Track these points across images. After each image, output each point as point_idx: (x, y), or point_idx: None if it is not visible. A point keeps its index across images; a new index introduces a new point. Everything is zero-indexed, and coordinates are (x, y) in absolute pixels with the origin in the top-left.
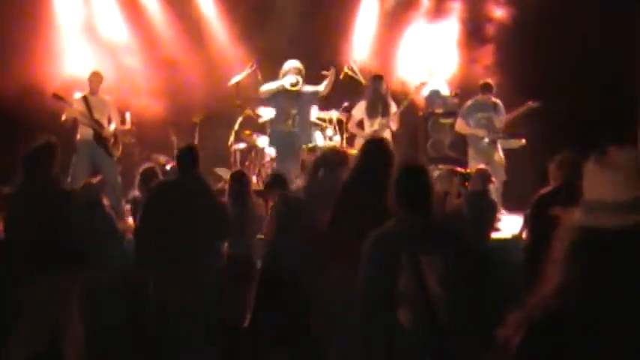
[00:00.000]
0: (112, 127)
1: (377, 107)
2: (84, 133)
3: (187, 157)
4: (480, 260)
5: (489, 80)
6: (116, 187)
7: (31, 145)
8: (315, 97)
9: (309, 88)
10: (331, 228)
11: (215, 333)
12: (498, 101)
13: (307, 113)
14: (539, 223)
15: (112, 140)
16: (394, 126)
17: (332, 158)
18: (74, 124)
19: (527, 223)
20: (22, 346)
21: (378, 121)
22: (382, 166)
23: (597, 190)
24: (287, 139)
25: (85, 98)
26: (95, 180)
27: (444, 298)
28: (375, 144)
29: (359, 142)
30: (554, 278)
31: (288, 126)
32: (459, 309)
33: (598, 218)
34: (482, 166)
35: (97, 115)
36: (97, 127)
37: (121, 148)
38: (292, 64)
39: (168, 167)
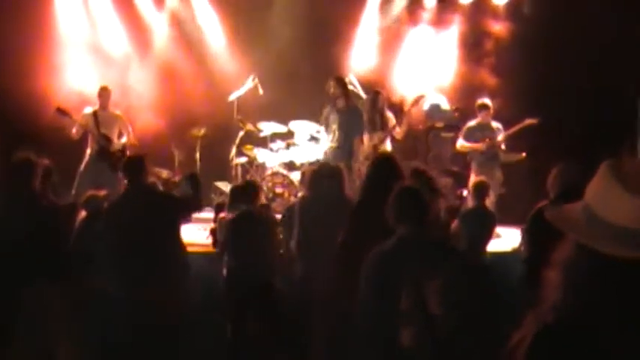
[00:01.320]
0: (123, 140)
1: (375, 122)
2: (93, 147)
3: (132, 167)
4: (478, 275)
5: (486, 101)
6: None
7: (11, 160)
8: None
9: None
10: (344, 244)
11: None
12: (499, 126)
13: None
14: (538, 236)
15: (120, 155)
16: (399, 136)
17: (326, 172)
18: (84, 137)
19: (526, 236)
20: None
21: (377, 135)
22: (392, 181)
23: (621, 216)
24: None
25: (94, 113)
26: (101, 193)
27: (444, 315)
28: (384, 160)
29: (358, 156)
30: (560, 292)
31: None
32: (460, 326)
33: (622, 247)
34: (478, 179)
35: (105, 130)
36: (104, 141)
37: None
38: None
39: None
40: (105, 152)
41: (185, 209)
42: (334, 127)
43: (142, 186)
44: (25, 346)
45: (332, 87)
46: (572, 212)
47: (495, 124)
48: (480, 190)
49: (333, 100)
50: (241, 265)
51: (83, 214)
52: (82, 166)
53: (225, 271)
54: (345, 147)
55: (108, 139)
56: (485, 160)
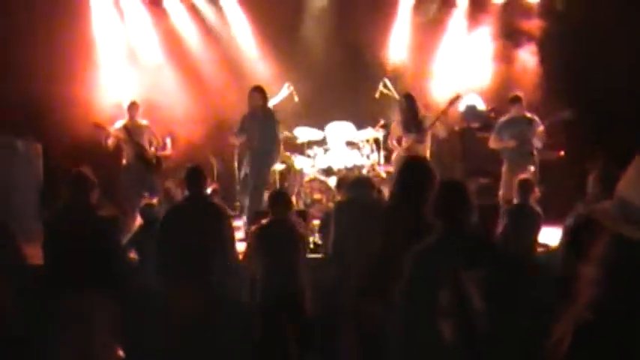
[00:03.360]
0: (152, 149)
1: (409, 124)
2: (129, 156)
3: (193, 179)
4: (521, 273)
5: (518, 93)
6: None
7: (68, 173)
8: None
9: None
10: (381, 246)
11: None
12: (534, 116)
13: None
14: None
15: (155, 160)
16: (442, 134)
17: (362, 182)
18: (118, 149)
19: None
20: None
21: (412, 137)
22: (422, 182)
23: None
24: None
25: (125, 126)
26: (154, 200)
27: (484, 311)
28: (412, 163)
29: (396, 158)
30: (597, 287)
31: None
32: (500, 322)
33: None
34: (523, 176)
35: (137, 140)
36: (139, 148)
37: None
38: None
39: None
40: (143, 158)
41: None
42: (255, 132)
43: (200, 196)
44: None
45: (258, 99)
46: (607, 204)
47: (530, 115)
48: (525, 187)
49: (254, 108)
50: (268, 274)
51: (139, 221)
52: (123, 176)
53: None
54: (264, 150)
55: (142, 147)
56: (517, 156)
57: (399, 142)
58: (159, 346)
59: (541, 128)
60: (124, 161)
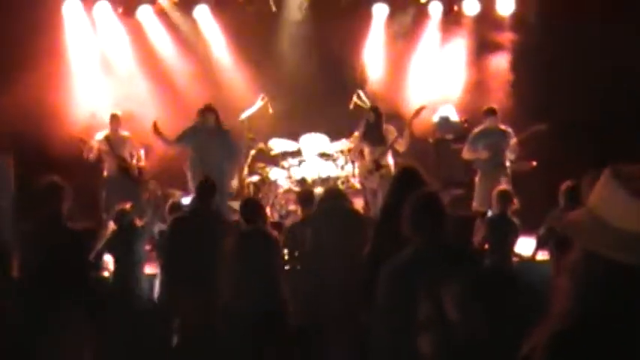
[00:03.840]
0: (134, 161)
1: (374, 137)
2: (110, 168)
3: (204, 190)
4: (501, 283)
5: (493, 106)
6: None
7: (37, 184)
8: None
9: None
10: (370, 255)
11: None
12: (508, 128)
13: None
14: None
15: (137, 172)
16: (402, 148)
17: (334, 193)
18: (99, 160)
19: (540, 245)
20: None
21: (378, 149)
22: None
23: (626, 220)
24: None
25: (107, 137)
26: (128, 206)
27: (463, 324)
28: (406, 171)
29: (361, 171)
30: (569, 299)
31: None
32: (479, 334)
33: (628, 252)
34: (502, 187)
35: (119, 152)
36: (121, 161)
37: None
38: None
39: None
40: (126, 171)
41: None
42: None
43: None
44: None
45: (212, 119)
46: (579, 220)
47: (504, 127)
48: (504, 198)
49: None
50: (245, 284)
51: (112, 227)
52: (104, 188)
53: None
54: (222, 166)
55: (125, 160)
56: (490, 168)
57: (361, 154)
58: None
59: (514, 140)
60: (105, 173)
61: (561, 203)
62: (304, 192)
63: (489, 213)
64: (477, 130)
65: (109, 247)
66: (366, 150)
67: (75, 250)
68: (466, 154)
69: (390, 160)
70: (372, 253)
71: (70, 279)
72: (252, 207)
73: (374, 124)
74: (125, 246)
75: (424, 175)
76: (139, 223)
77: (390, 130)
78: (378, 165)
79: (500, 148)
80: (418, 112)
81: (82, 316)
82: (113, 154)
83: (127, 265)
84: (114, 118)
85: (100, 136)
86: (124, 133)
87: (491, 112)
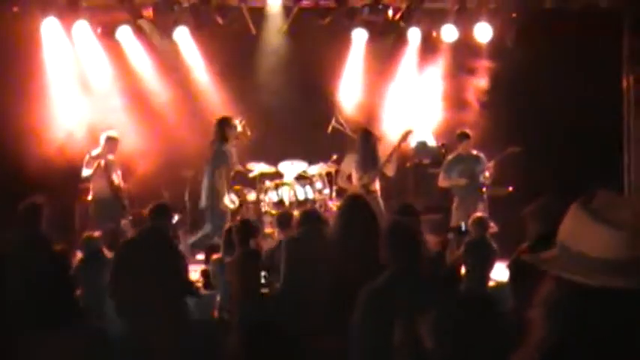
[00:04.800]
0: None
1: (368, 161)
2: (101, 189)
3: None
4: (477, 309)
5: (466, 130)
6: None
7: (20, 204)
8: None
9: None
10: (331, 280)
11: None
12: (480, 154)
13: None
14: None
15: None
16: (390, 173)
17: (313, 217)
18: (71, 181)
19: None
20: None
21: (368, 175)
22: (365, 220)
23: (595, 247)
24: None
25: (101, 158)
26: (96, 234)
27: (438, 351)
28: (354, 199)
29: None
30: (542, 330)
31: None
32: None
33: (595, 277)
34: (478, 214)
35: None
36: (112, 182)
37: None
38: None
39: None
40: (117, 191)
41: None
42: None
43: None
44: None
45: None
46: (550, 253)
47: (476, 153)
48: (480, 224)
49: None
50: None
51: (79, 256)
52: (93, 210)
53: (216, 312)
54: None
55: (113, 181)
56: (466, 193)
57: (349, 179)
58: None
59: (489, 164)
60: (92, 194)
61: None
62: (282, 215)
63: (463, 227)
64: (450, 157)
65: (78, 276)
66: (354, 175)
67: (56, 269)
68: (442, 182)
69: (377, 185)
70: (332, 280)
71: (51, 298)
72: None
73: (365, 148)
74: (91, 273)
75: (368, 203)
76: (106, 251)
77: (379, 156)
78: (367, 190)
79: (474, 173)
80: (405, 136)
81: (64, 335)
82: (107, 175)
83: (94, 292)
84: (112, 140)
85: (95, 155)
86: (110, 156)
87: (465, 136)
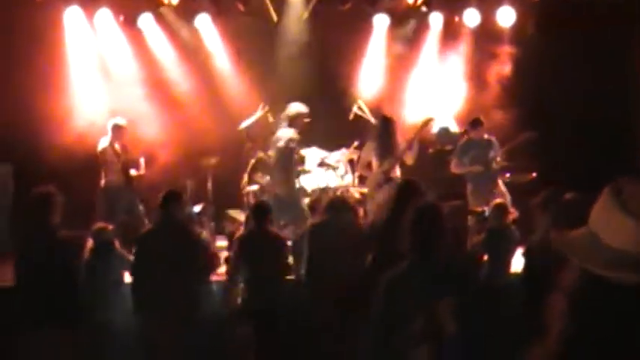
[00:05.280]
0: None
1: (388, 148)
2: (111, 178)
3: (168, 201)
4: (498, 297)
5: (479, 117)
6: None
7: (31, 194)
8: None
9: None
10: (371, 269)
11: None
12: (492, 138)
13: None
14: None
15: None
16: (410, 161)
17: (338, 204)
18: (95, 168)
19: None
20: None
21: (388, 161)
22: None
23: (618, 238)
24: None
25: (111, 146)
26: (110, 226)
27: (458, 338)
28: (406, 184)
29: (370, 182)
30: (564, 319)
31: None
32: (474, 348)
33: (624, 272)
34: (497, 200)
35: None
36: (126, 170)
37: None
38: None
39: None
40: (130, 180)
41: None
42: None
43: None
44: None
45: None
46: (577, 237)
47: (487, 137)
48: (499, 211)
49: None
50: (249, 283)
51: (90, 244)
52: (105, 197)
53: (240, 300)
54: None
55: (127, 169)
56: (480, 179)
57: (369, 166)
58: None
59: (500, 152)
60: (105, 182)
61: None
62: (314, 201)
63: (486, 212)
64: (462, 142)
65: (86, 265)
66: (374, 162)
67: (64, 259)
68: (455, 168)
69: (397, 172)
70: (372, 266)
71: (58, 288)
72: (262, 209)
73: (385, 135)
74: (101, 265)
75: (424, 189)
76: (117, 243)
77: (400, 142)
78: (387, 177)
79: (487, 158)
80: (426, 123)
81: (70, 325)
82: (119, 163)
83: (102, 284)
84: (119, 128)
85: (104, 143)
86: (117, 146)
87: (478, 123)
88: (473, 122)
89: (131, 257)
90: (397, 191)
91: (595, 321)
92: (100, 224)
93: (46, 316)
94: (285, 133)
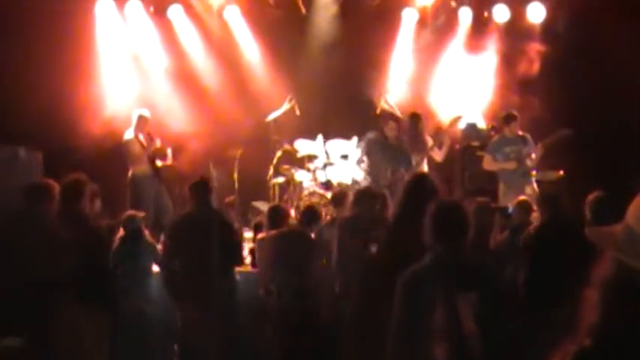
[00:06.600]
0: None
1: (415, 145)
2: (138, 169)
3: (200, 190)
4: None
5: (513, 111)
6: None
7: (63, 181)
8: None
9: None
10: (377, 262)
11: None
12: (527, 134)
13: None
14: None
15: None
16: (439, 159)
17: (370, 194)
18: (122, 158)
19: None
20: None
21: (415, 158)
22: (426, 201)
23: None
24: None
25: (137, 137)
26: (141, 214)
27: (478, 334)
28: (418, 180)
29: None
30: (598, 312)
31: None
32: (494, 345)
33: None
34: (522, 197)
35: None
36: (153, 160)
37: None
38: None
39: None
40: (157, 170)
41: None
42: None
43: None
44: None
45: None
46: (613, 232)
47: (522, 133)
48: (523, 208)
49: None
50: (285, 285)
51: (121, 232)
52: (134, 188)
53: (261, 291)
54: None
55: (154, 159)
56: (513, 178)
57: None
58: None
59: (534, 148)
60: (131, 172)
61: (587, 214)
62: (337, 193)
63: (510, 209)
64: (495, 138)
65: (115, 253)
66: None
67: (96, 247)
68: (488, 165)
69: (425, 168)
70: (379, 258)
71: (91, 276)
72: (281, 213)
73: (416, 132)
74: (131, 252)
75: (436, 184)
76: (146, 231)
77: (428, 139)
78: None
79: (521, 155)
80: (455, 121)
81: (99, 311)
82: (145, 153)
83: (133, 272)
84: (143, 119)
85: (130, 135)
86: (141, 136)
87: (512, 117)
88: (506, 117)
89: (159, 246)
90: (407, 186)
91: (630, 315)
92: (130, 212)
93: (78, 303)
94: None
